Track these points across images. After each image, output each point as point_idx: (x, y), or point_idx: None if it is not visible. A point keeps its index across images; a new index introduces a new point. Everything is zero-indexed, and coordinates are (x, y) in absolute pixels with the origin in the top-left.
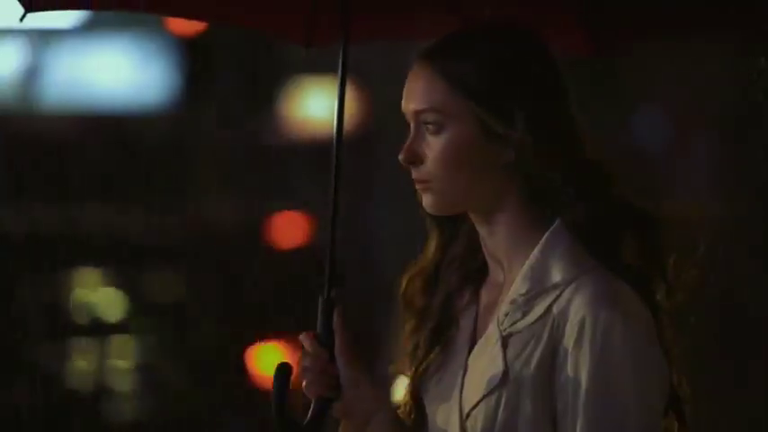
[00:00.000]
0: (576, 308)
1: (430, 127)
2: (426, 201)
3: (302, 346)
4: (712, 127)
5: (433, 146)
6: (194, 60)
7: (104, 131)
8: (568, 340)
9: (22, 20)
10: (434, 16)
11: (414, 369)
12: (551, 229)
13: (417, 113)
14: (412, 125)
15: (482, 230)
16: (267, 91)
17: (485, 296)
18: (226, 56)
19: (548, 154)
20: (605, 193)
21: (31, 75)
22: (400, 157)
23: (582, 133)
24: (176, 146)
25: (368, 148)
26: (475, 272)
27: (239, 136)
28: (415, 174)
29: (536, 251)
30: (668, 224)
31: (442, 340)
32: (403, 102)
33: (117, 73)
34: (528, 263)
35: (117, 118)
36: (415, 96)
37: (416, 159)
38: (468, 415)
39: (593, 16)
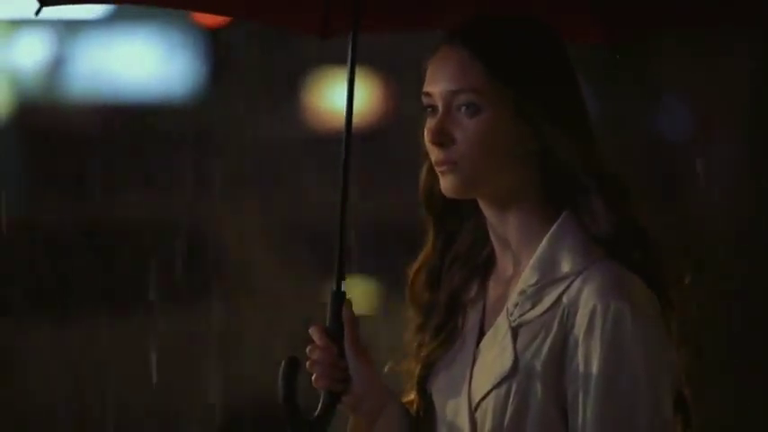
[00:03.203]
0: (587, 297)
1: (465, 108)
2: (448, 183)
3: (312, 339)
4: (736, 120)
5: (468, 127)
6: (218, 51)
7: (129, 122)
8: (579, 329)
9: (37, 14)
10: (449, 6)
11: (422, 362)
12: (559, 220)
13: (452, 94)
14: (440, 106)
15: (494, 218)
16: (292, 82)
17: (492, 288)
18: (249, 47)
19: (572, 144)
20: (619, 200)
21: (57, 66)
22: (429, 137)
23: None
24: (201, 136)
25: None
26: (481, 266)
27: (262, 126)
28: (442, 155)
29: (544, 242)
30: (674, 249)
31: (450, 334)
32: (431, 83)
33: (141, 64)
34: (536, 254)
35: (142, 108)
36: (449, 77)
37: (447, 140)
38: (477, 406)
39: (606, 2)
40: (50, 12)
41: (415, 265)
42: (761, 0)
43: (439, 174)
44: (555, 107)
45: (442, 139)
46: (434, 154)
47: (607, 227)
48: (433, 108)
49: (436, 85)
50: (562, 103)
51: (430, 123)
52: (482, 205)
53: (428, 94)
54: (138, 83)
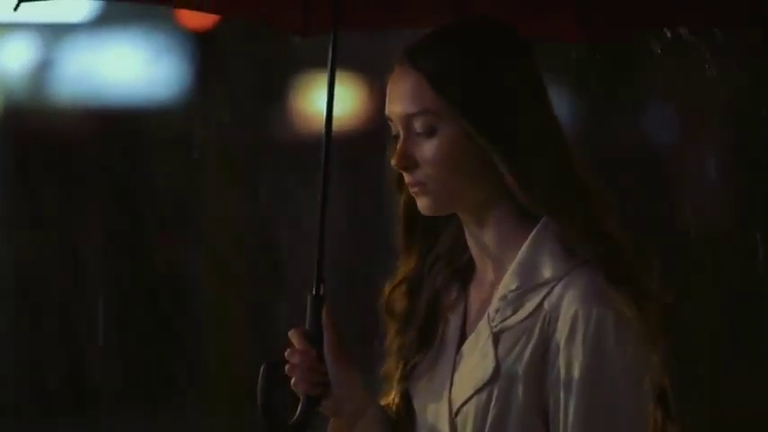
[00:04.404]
0: (568, 303)
1: (422, 130)
2: (423, 203)
3: (291, 343)
4: (724, 121)
5: (427, 148)
6: (206, 54)
7: (115, 126)
8: (560, 335)
9: (16, 9)
10: (429, 4)
11: (401, 368)
12: (538, 226)
13: (408, 117)
14: (400, 128)
15: (473, 225)
16: (279, 85)
17: (473, 293)
18: (237, 50)
19: (531, 161)
20: (585, 213)
21: (43, 69)
22: (393, 162)
23: (567, 139)
24: (187, 140)
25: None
26: (461, 268)
27: (251, 130)
28: (409, 178)
29: (524, 248)
30: (648, 253)
31: (430, 338)
32: (389, 106)
33: (128, 67)
34: (517, 259)
35: (128, 112)
36: (403, 100)
37: (410, 163)
38: (458, 411)
39: (585, 2)
40: (35, 14)
41: (395, 281)
42: (744, 3)
43: (413, 195)
44: (509, 125)
45: (405, 162)
46: (405, 177)
47: (575, 241)
48: (396, 131)
49: (393, 108)
50: (519, 119)
51: (395, 147)
52: (460, 215)
53: (389, 118)
54: (125, 86)
